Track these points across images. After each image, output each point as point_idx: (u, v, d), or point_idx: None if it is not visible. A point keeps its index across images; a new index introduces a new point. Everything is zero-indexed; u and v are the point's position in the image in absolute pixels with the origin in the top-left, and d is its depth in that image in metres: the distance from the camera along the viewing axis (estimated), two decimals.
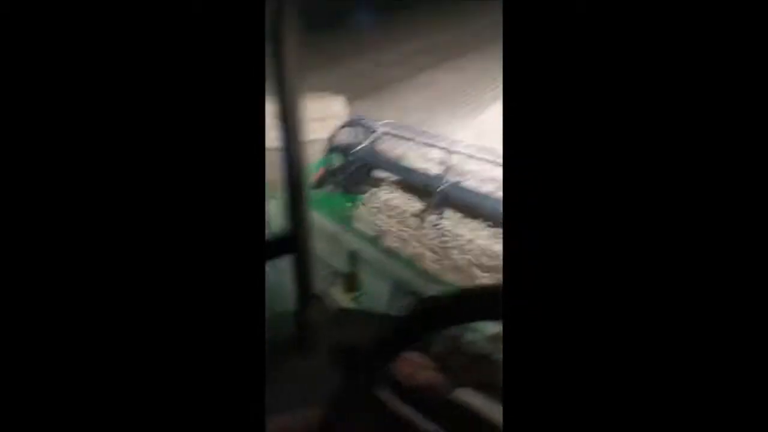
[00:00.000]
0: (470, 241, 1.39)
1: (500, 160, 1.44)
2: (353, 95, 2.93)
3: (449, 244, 1.41)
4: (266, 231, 1.33)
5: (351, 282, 1.15)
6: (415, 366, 0.47)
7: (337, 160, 1.80)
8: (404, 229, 1.55)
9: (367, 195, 1.71)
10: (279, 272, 1.37)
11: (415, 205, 1.61)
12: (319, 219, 1.56)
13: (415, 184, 1.60)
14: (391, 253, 1.43)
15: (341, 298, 1.26)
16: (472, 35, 4.67)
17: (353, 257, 1.51)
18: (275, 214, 1.58)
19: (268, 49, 0.64)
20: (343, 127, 1.82)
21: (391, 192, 1.71)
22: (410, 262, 1.39)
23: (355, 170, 1.75)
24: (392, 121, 1.84)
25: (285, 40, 0.62)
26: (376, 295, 1.40)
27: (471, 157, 1.50)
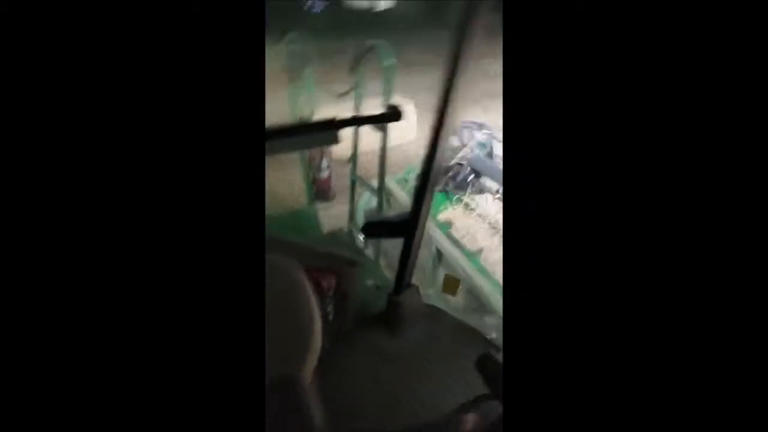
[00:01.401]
0: None
1: None
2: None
3: None
4: (383, 205, 1.39)
5: (453, 285, 1.15)
6: None
7: None
8: (491, 240, 1.50)
9: (466, 200, 1.68)
10: (380, 251, 1.42)
11: None
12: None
13: None
14: (473, 259, 1.39)
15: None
16: None
17: (438, 257, 1.51)
18: (400, 192, 1.64)
19: (452, 43, 0.64)
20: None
21: (490, 202, 1.66)
22: (491, 276, 1.34)
23: (458, 173, 1.73)
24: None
25: (470, 39, 0.62)
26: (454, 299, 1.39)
27: None
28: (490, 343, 0.86)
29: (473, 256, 1.41)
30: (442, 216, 1.60)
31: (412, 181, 1.90)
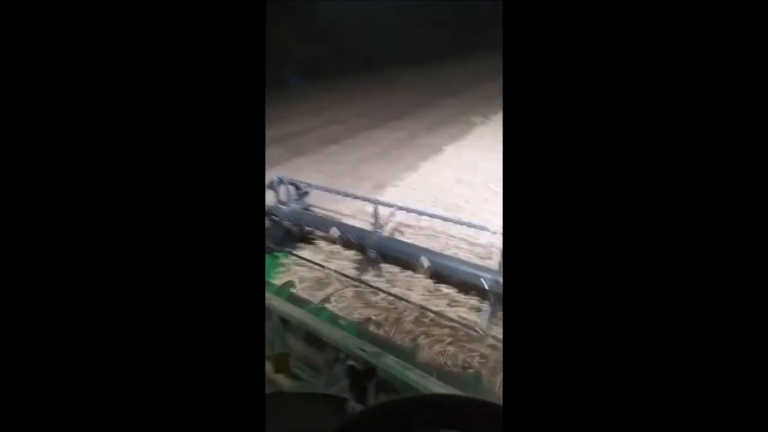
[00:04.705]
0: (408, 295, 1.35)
1: (427, 216, 1.49)
2: (272, 161, 2.99)
3: (390, 302, 1.34)
4: None
5: (281, 363, 1.00)
6: None
7: None
8: (339, 288, 1.46)
9: (297, 254, 1.61)
10: None
11: (350, 261, 1.54)
12: None
13: (348, 240, 1.55)
14: (322, 313, 1.31)
15: (275, 377, 1.08)
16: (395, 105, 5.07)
17: (284, 324, 1.35)
18: None
19: None
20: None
21: (323, 250, 1.63)
22: (346, 325, 1.28)
23: (283, 231, 1.65)
24: (316, 182, 1.83)
25: None
26: (312, 365, 1.25)
27: (402, 210, 1.52)
28: (339, 402, 0.77)
29: (311, 306, 1.32)
30: (273, 278, 1.46)
31: None
